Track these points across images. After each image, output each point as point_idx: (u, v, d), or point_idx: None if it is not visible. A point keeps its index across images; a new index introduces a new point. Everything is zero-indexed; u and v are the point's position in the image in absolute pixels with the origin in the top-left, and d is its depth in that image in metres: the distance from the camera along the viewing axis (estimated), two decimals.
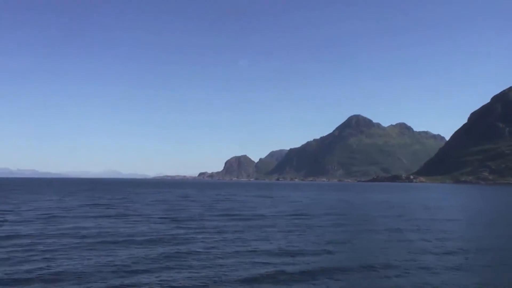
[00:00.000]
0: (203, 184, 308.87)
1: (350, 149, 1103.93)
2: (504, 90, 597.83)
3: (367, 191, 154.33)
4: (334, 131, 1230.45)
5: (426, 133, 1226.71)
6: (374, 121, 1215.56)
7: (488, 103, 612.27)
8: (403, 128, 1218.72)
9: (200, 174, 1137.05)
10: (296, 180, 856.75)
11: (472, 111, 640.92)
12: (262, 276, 18.64)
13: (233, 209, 56.48)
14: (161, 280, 17.78)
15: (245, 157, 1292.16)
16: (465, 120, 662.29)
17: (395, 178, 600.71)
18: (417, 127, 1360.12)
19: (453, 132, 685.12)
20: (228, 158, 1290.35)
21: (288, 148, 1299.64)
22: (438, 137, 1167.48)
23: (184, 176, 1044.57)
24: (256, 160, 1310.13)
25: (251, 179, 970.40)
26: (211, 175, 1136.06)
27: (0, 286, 16.75)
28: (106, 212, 49.04)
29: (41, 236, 29.29)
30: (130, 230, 33.01)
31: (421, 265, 21.42)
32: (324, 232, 33.80)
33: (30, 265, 20.12)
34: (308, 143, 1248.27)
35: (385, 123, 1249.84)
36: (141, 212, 49.44)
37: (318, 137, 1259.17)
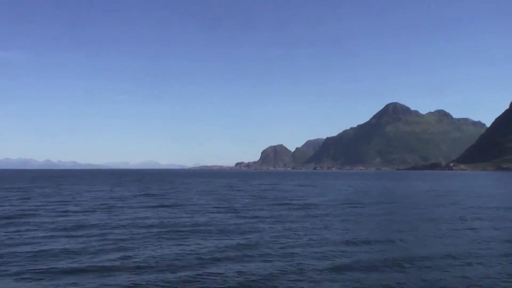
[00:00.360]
0: (241, 174, 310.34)
1: (387, 137, 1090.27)
2: None
3: (409, 179, 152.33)
4: (371, 119, 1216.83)
5: (466, 120, 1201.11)
6: (412, 108, 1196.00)
7: None
8: (442, 115, 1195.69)
9: (237, 164, 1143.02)
10: (333, 169, 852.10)
11: None
12: (344, 265, 18.57)
13: (283, 198, 56.56)
14: (240, 270, 17.89)
15: (281, 146, 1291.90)
16: (507, 106, 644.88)
17: (434, 166, 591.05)
18: (456, 114, 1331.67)
19: (494, 119, 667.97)
20: (265, 147, 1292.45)
21: (324, 137, 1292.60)
22: (478, 124, 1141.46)
23: (221, 166, 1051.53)
24: (292, 149, 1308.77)
25: (288, 169, 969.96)
26: (248, 165, 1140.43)
27: (89, 274, 17.21)
28: (160, 202, 49.85)
29: (108, 226, 29.89)
30: (192, 220, 33.40)
31: (500, 253, 21.04)
32: (381, 221, 33.53)
33: (109, 255, 20.56)
34: (345, 132, 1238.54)
35: (423, 110, 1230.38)
36: (194, 202, 50.02)
37: (355, 125, 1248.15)
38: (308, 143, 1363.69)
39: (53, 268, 18.08)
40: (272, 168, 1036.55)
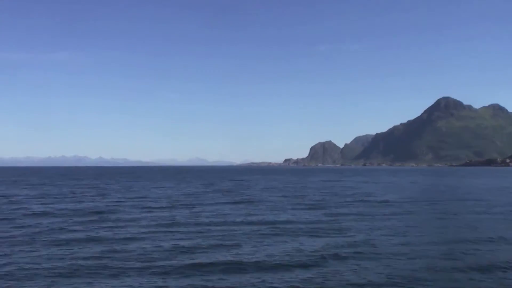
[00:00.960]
0: (294, 170, 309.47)
1: (439, 132, 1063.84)
2: None
3: (470, 176, 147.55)
4: (422, 114, 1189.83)
5: None
6: (465, 103, 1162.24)
7: None
8: (496, 109, 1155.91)
9: (285, 160, 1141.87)
10: (383, 165, 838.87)
11: None
12: (482, 265, 17.84)
13: (354, 195, 55.74)
14: (366, 267, 17.52)
15: (329, 142, 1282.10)
16: None
17: (490, 162, 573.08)
18: None
19: None
20: (313, 144, 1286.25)
21: (373, 133, 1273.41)
22: None
23: (270, 163, 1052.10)
24: (341, 145, 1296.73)
25: (337, 165, 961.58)
26: (296, 161, 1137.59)
27: (215, 270, 17.15)
28: (232, 199, 49.97)
29: (202, 223, 29.70)
30: (278, 217, 32.93)
31: None
32: (473, 219, 32.31)
33: (223, 252, 20.42)
34: (395, 127, 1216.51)
35: (477, 105, 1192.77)
36: (266, 199, 49.80)
37: (405, 121, 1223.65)
38: (357, 139, 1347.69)
39: (175, 264, 18.11)
40: (320, 164, 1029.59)
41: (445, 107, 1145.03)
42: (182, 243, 22.51)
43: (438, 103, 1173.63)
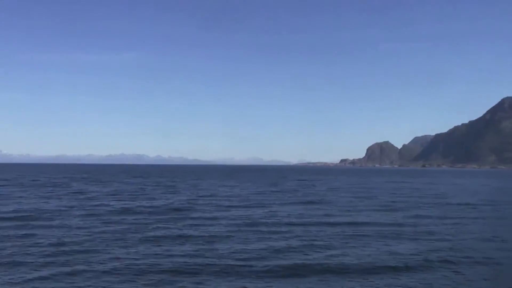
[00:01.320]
0: (352, 171, 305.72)
1: (503, 133, 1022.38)
2: None
3: None
4: (484, 114, 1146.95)
5: None
6: None
7: None
8: None
9: (342, 160, 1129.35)
10: (443, 166, 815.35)
11: None
12: None
13: (432, 197, 54.25)
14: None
15: (387, 143, 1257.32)
16: None
17: None
18: None
19: None
20: (370, 144, 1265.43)
21: (433, 134, 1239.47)
22: None
23: (325, 163, 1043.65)
24: (399, 146, 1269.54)
25: (395, 166, 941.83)
26: (353, 161, 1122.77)
27: (352, 273, 16.84)
28: (304, 199, 49.45)
29: (292, 223, 29.35)
30: (363, 220, 32.12)
31: None
32: None
33: (336, 253, 20.07)
34: (455, 128, 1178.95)
35: None
36: (337, 200, 49.06)
37: (466, 121, 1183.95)
38: (416, 140, 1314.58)
39: (272, 265, 17.84)
40: (378, 165, 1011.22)
41: (509, 107, 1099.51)
42: (271, 243, 22.28)
43: (502, 103, 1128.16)
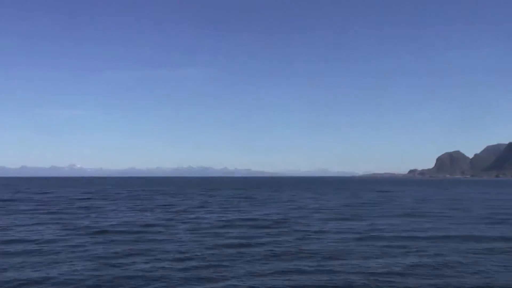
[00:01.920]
0: (422, 182, 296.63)
1: None
2: None
3: None
4: None
5: None
6: None
7: None
8: None
9: (410, 171, 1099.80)
10: None
11: None
12: None
13: None
14: None
15: (457, 152, 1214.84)
16: None
17: None
18: None
19: None
20: (439, 154, 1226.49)
21: (507, 142, 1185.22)
22: None
23: (393, 174, 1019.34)
24: (470, 155, 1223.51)
25: (467, 176, 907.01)
26: (422, 172, 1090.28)
27: None
28: (400, 211, 47.61)
29: (425, 239, 28.31)
30: (496, 234, 30.17)
31: None
32: None
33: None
34: None
35: None
36: (441, 213, 46.86)
37: None
38: (488, 149, 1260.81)
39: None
40: (448, 175, 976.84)
41: None
42: (400, 259, 21.12)
43: None
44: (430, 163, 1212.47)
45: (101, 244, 25.17)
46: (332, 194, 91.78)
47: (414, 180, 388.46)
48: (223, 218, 39.78)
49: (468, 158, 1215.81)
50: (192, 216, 42.15)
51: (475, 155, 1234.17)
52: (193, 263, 20.13)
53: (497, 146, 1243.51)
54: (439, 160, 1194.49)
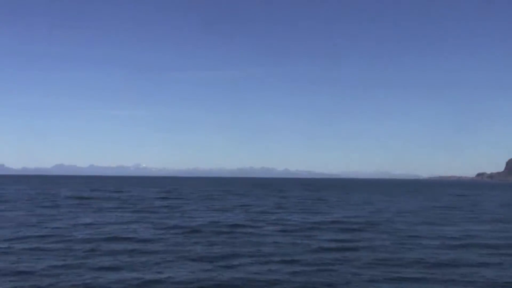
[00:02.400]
0: (495, 186, 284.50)
1: None
2: None
3: None
4: None
5: None
6: None
7: None
8: None
9: (478, 174, 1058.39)
10: None
11: None
12: None
13: None
14: None
15: None
16: None
17: None
18: None
19: None
20: (511, 157, 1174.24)
21: None
22: None
23: (460, 177, 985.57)
24: None
25: None
26: (491, 175, 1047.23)
27: None
28: (488, 217, 45.40)
29: None
30: None
31: None
32: None
33: None
34: None
35: None
36: None
37: None
38: None
39: None
40: None
41: None
42: None
43: None
44: (498, 166, 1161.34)
45: (199, 244, 25.22)
46: (405, 196, 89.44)
47: (484, 184, 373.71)
48: (307, 220, 39.21)
49: None
50: (274, 217, 41.79)
51: None
52: (301, 267, 19.69)
53: None
54: (510, 163, 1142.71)
